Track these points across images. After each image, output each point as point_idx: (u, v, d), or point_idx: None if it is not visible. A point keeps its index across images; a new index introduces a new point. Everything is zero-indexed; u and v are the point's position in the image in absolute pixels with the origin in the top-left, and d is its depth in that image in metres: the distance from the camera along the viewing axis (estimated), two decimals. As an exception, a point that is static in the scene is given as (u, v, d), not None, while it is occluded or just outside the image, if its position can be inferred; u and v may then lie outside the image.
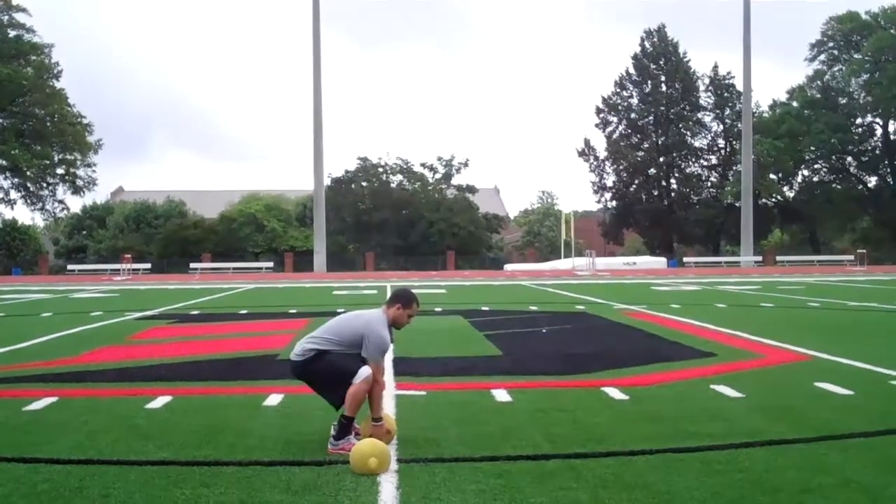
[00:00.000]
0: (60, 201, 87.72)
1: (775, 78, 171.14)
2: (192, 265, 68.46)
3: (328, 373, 6.73)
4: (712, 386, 9.39)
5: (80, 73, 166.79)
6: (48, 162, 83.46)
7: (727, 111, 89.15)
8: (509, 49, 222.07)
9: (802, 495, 5.33)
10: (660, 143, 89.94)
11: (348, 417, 6.58)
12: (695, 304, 23.87)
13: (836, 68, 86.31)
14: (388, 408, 8.32)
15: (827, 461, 6.13)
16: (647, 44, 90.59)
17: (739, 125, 79.95)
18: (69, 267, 71.41)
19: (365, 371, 6.58)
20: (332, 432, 6.62)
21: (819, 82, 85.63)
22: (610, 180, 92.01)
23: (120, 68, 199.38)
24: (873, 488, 5.48)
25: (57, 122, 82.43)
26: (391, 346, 7.00)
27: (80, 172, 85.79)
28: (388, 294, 7.28)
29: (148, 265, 69.04)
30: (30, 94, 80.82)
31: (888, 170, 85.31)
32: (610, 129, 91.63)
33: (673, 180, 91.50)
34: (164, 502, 5.33)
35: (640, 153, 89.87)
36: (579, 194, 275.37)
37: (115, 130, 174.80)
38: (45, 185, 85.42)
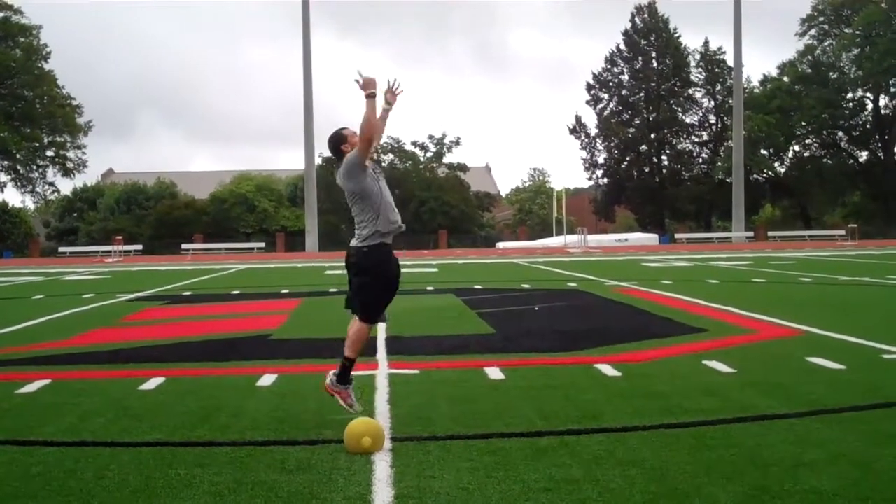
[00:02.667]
0: (51, 183, 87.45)
1: (766, 54, 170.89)
2: (184, 246, 68.34)
3: (359, 282, 6.91)
4: (704, 361, 9.41)
5: (68, 54, 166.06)
6: (38, 144, 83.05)
7: (718, 87, 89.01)
8: (499, 25, 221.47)
9: (795, 469, 5.36)
10: (651, 119, 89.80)
11: (349, 359, 6.85)
12: (686, 280, 23.92)
13: (826, 43, 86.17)
14: (381, 387, 8.35)
15: (819, 435, 6.15)
16: (637, 20, 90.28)
17: (730, 101, 79.90)
18: (60, 249, 71.17)
19: (374, 320, 6.98)
20: (335, 371, 6.96)
21: (810, 57, 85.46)
22: (601, 157, 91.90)
23: (108, 49, 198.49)
24: (865, 462, 5.50)
25: (46, 105, 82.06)
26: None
27: (70, 154, 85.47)
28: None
29: (139, 247, 68.84)
30: (18, 76, 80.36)
31: (879, 144, 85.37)
32: (601, 105, 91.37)
33: (664, 157, 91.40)
34: (158, 483, 5.33)
35: (632, 130, 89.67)
36: (571, 171, 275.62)
37: (105, 112, 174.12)
38: (35, 167, 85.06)
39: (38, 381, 8.96)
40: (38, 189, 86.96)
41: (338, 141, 7.09)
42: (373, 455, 5.84)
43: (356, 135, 6.92)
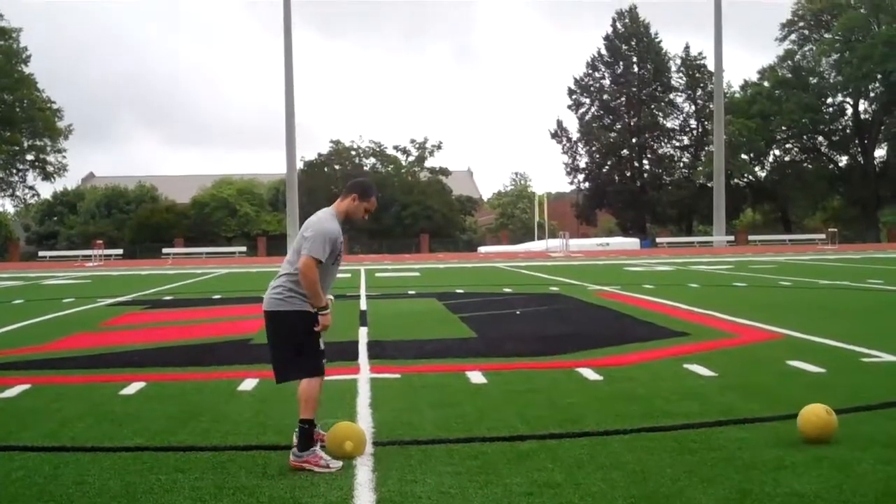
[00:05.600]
0: (31, 187, 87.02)
1: (746, 59, 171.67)
2: (165, 250, 68.12)
3: (284, 341, 6.17)
4: (686, 365, 9.44)
5: (48, 58, 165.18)
6: (18, 148, 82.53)
7: (699, 92, 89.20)
8: (481, 30, 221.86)
9: (776, 472, 5.38)
10: (632, 124, 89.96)
11: (307, 421, 5.87)
12: (668, 284, 23.99)
13: (806, 48, 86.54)
14: (363, 391, 8.34)
15: (799, 438, 6.17)
16: (618, 24, 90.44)
17: (711, 106, 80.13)
18: (40, 253, 70.88)
19: (316, 371, 6.03)
20: (294, 441, 5.93)
21: (790, 62, 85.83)
22: (583, 162, 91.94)
23: (88, 53, 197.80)
24: (846, 464, 5.53)
25: (26, 108, 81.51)
26: (339, 243, 6.15)
27: (51, 158, 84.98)
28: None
29: (120, 251, 68.57)
30: (-2, 79, 79.97)
31: (858, 149, 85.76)
32: (582, 110, 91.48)
33: (645, 161, 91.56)
34: (139, 488, 5.31)
35: (613, 134, 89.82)
36: (552, 176, 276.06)
37: (85, 116, 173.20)
38: (14, 171, 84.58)
39: (18, 386, 8.91)
40: (18, 193, 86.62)
41: (360, 191, 6.29)
42: (355, 459, 5.84)
43: (368, 211, 6.34)
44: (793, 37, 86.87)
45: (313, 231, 6.05)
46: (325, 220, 6.15)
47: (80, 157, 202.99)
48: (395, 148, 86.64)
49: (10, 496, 5.22)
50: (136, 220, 79.58)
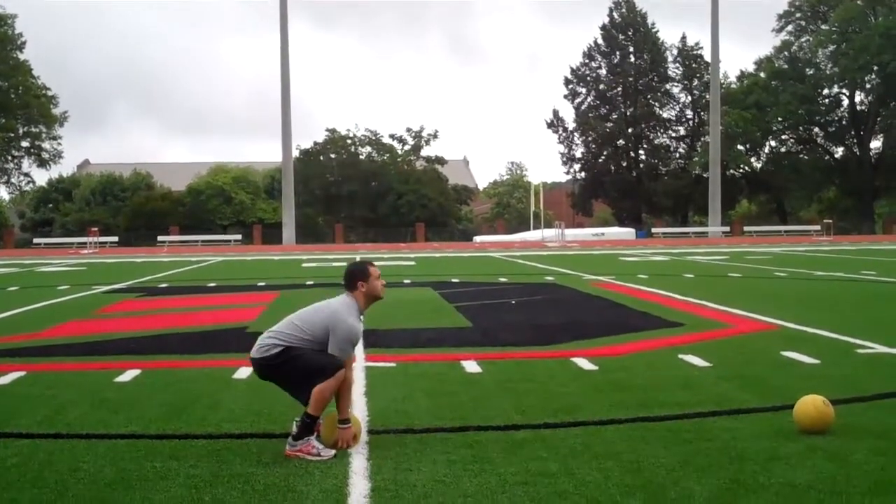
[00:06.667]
0: (26, 174, 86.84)
1: (743, 49, 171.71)
2: (160, 238, 67.93)
3: (294, 370, 5.98)
4: (680, 355, 9.45)
5: (43, 44, 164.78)
6: (13, 135, 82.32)
7: (695, 82, 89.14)
8: (478, 19, 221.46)
9: (769, 463, 5.39)
10: (628, 114, 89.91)
11: (311, 416, 5.82)
12: (663, 274, 24.00)
13: (803, 39, 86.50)
14: (358, 380, 8.33)
15: (793, 429, 6.18)
16: (615, 14, 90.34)
17: (707, 96, 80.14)
18: (35, 240, 70.72)
19: (336, 368, 5.93)
20: (293, 430, 5.88)
21: (786, 53, 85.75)
22: (579, 151, 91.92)
23: (83, 40, 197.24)
24: (840, 455, 5.54)
25: (21, 95, 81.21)
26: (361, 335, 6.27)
27: (46, 145, 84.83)
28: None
29: (115, 238, 68.42)
30: (-8, 66, 79.67)
31: (854, 140, 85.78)
32: (578, 100, 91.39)
33: (641, 151, 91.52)
34: (134, 476, 5.31)
35: (609, 124, 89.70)
36: (548, 166, 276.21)
37: (81, 103, 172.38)
38: (9, 157, 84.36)
39: (12, 373, 8.91)
40: (13, 180, 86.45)
41: (359, 275, 6.34)
42: (350, 448, 5.84)
43: (379, 278, 6.43)
44: (789, 28, 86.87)
45: (343, 327, 6.03)
46: (352, 317, 6.13)
47: (76, 145, 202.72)
48: (391, 136, 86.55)
49: (4, 483, 5.22)
50: (132, 208, 79.39)
